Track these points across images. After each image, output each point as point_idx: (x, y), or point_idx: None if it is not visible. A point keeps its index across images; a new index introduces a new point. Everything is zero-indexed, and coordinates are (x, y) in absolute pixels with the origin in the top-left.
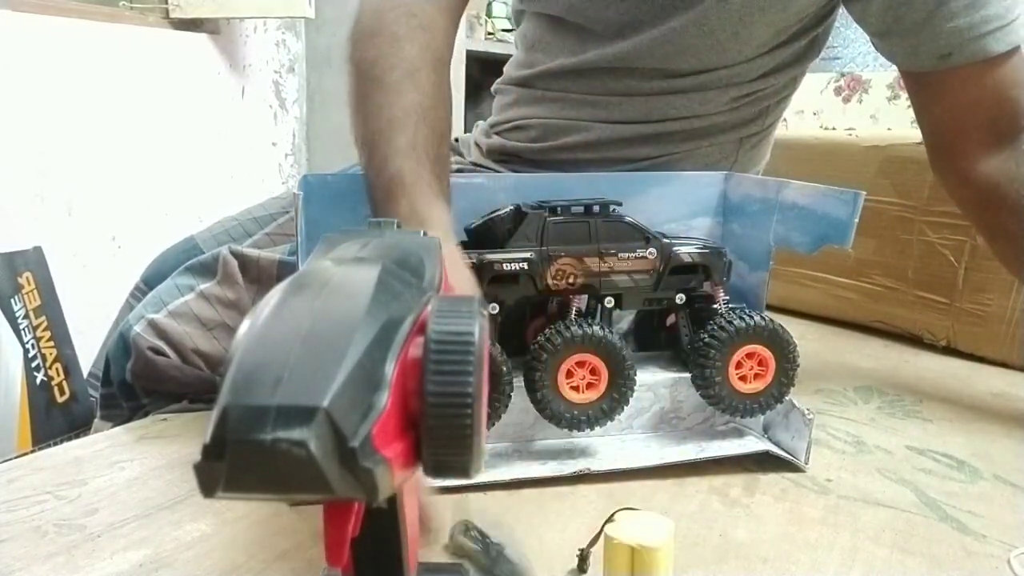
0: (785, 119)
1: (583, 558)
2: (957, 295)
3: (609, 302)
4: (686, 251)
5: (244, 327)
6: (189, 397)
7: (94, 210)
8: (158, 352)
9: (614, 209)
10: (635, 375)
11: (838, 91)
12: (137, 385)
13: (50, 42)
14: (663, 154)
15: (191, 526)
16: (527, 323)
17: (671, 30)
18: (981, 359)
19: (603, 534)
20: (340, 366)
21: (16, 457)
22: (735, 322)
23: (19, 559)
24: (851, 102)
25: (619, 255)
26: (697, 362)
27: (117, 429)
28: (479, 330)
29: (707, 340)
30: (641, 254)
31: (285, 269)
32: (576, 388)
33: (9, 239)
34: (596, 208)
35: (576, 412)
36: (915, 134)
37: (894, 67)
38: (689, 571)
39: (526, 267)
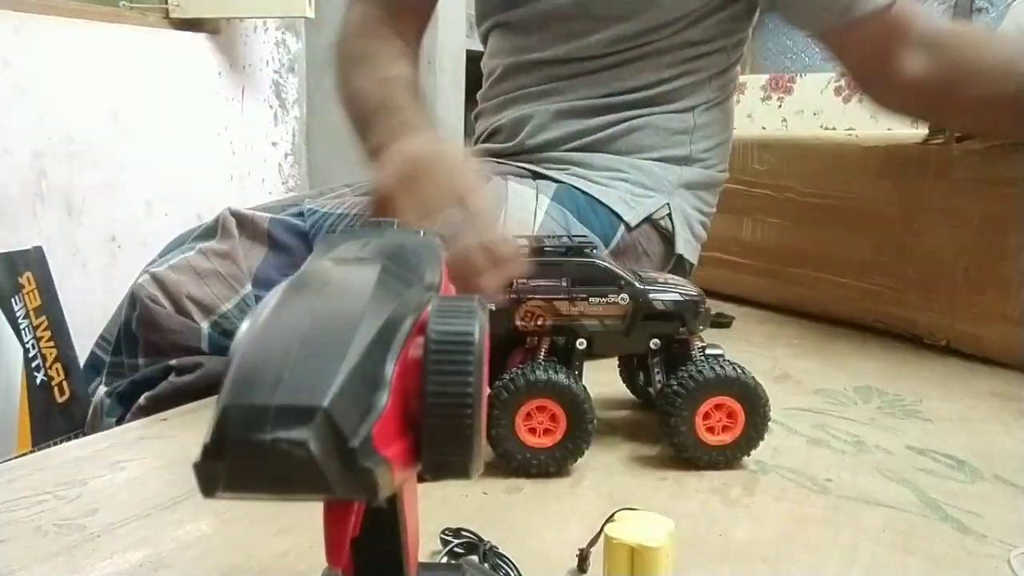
0: (785, 119)
1: (583, 558)
2: (957, 295)
3: (581, 344)
4: (660, 299)
5: (244, 327)
6: (175, 364)
7: (94, 210)
8: (155, 302)
9: (593, 251)
10: (594, 428)
11: (838, 91)
12: (139, 334)
13: (50, 42)
14: (619, 121)
15: (191, 526)
16: (509, 352)
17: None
18: (981, 359)
19: (603, 534)
20: (340, 366)
21: (16, 457)
22: (705, 372)
23: (19, 559)
24: (851, 102)
25: (590, 300)
26: (664, 409)
27: (117, 429)
28: (479, 330)
29: (675, 389)
30: (613, 300)
31: (275, 226)
32: (533, 431)
33: (9, 239)
34: (570, 250)
35: (528, 455)
36: (915, 134)
37: None
38: (689, 571)
39: (493, 307)
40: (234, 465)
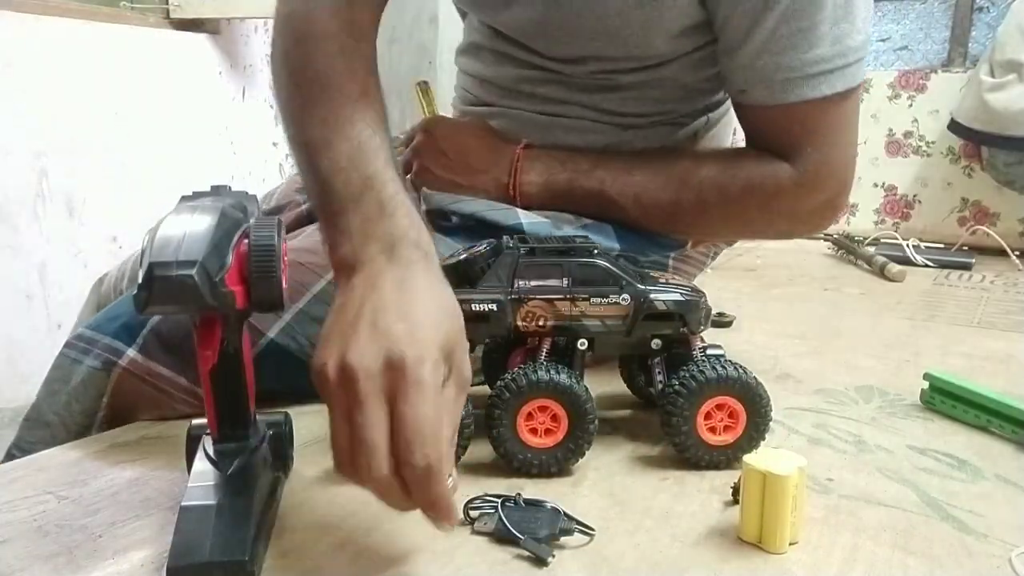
0: None
1: (736, 490)
2: None
3: (583, 344)
4: (662, 299)
5: (154, 229)
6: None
7: (94, 210)
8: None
9: (595, 252)
10: (595, 428)
11: None
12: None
13: (50, 42)
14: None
15: None
16: (510, 352)
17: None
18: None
19: (743, 462)
20: (207, 244)
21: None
22: (707, 372)
23: (20, 559)
24: None
25: (591, 300)
26: (665, 409)
27: (117, 429)
28: (277, 236)
29: (676, 388)
30: (614, 300)
31: None
32: (535, 431)
33: (9, 239)
34: (571, 250)
35: (529, 455)
36: (916, 134)
37: (894, 67)
38: (689, 571)
39: (495, 308)
40: (155, 291)
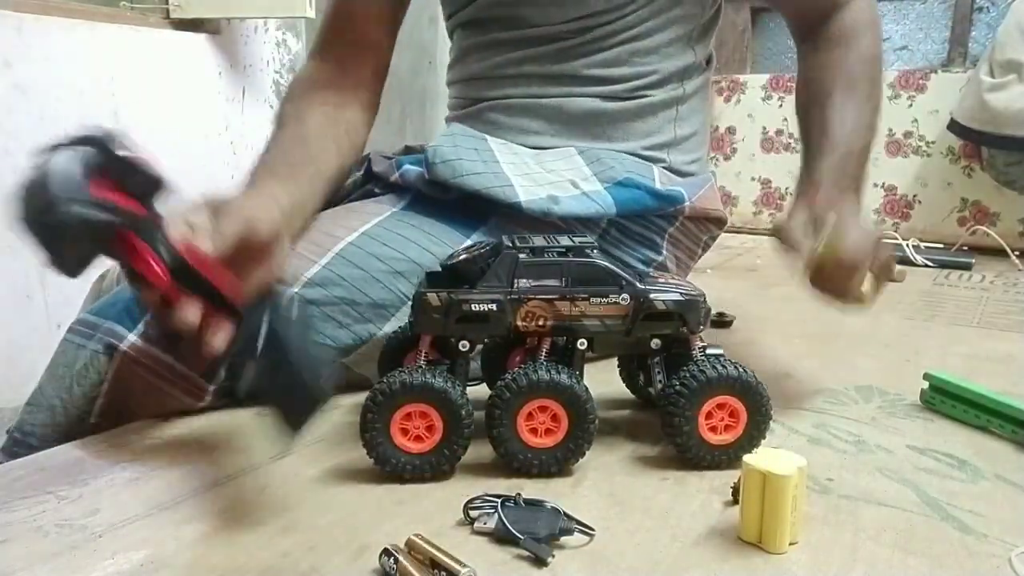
0: (786, 119)
1: (736, 490)
2: None
3: (582, 344)
4: (661, 298)
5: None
6: None
7: None
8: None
9: (594, 251)
10: (595, 428)
11: None
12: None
13: (50, 42)
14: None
15: (192, 526)
16: (510, 352)
17: None
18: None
19: (743, 462)
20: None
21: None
22: (707, 371)
23: (20, 559)
24: None
25: (591, 300)
26: (666, 409)
27: (117, 429)
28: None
29: (677, 388)
30: (614, 300)
31: None
32: (535, 431)
33: (9, 239)
34: (570, 250)
35: (530, 455)
36: (916, 134)
37: (895, 67)
38: (689, 571)
39: (494, 308)
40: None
